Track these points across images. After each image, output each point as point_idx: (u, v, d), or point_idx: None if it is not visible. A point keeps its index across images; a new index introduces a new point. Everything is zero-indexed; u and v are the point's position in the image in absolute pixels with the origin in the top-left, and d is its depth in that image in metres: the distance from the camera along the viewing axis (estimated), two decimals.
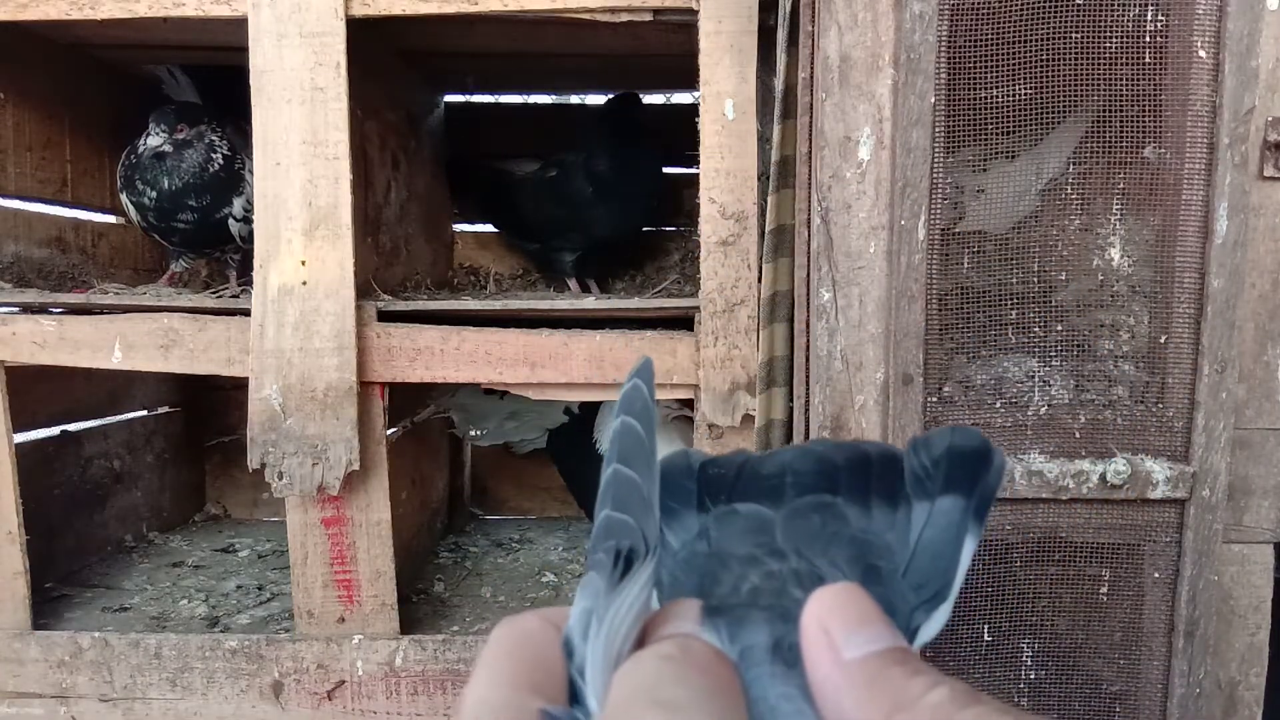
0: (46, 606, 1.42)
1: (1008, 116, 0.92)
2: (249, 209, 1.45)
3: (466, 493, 2.03)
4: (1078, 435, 0.93)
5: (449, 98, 1.96)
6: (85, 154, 1.66)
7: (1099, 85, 0.91)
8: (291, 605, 1.30)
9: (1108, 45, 0.90)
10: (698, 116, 1.20)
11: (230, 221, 1.47)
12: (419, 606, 1.48)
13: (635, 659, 0.29)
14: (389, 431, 1.31)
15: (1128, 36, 0.90)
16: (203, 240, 1.51)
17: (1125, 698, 0.97)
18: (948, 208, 0.95)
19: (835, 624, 0.31)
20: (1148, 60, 0.90)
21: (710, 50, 1.18)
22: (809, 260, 1.00)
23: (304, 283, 1.23)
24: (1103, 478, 0.91)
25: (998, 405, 0.95)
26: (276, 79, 1.21)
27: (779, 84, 1.06)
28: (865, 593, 0.32)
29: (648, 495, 0.36)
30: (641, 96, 1.77)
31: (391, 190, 1.57)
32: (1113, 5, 0.89)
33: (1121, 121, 0.93)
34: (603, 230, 1.72)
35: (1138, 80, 0.91)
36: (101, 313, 1.29)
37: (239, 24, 1.21)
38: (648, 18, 1.22)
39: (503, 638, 0.32)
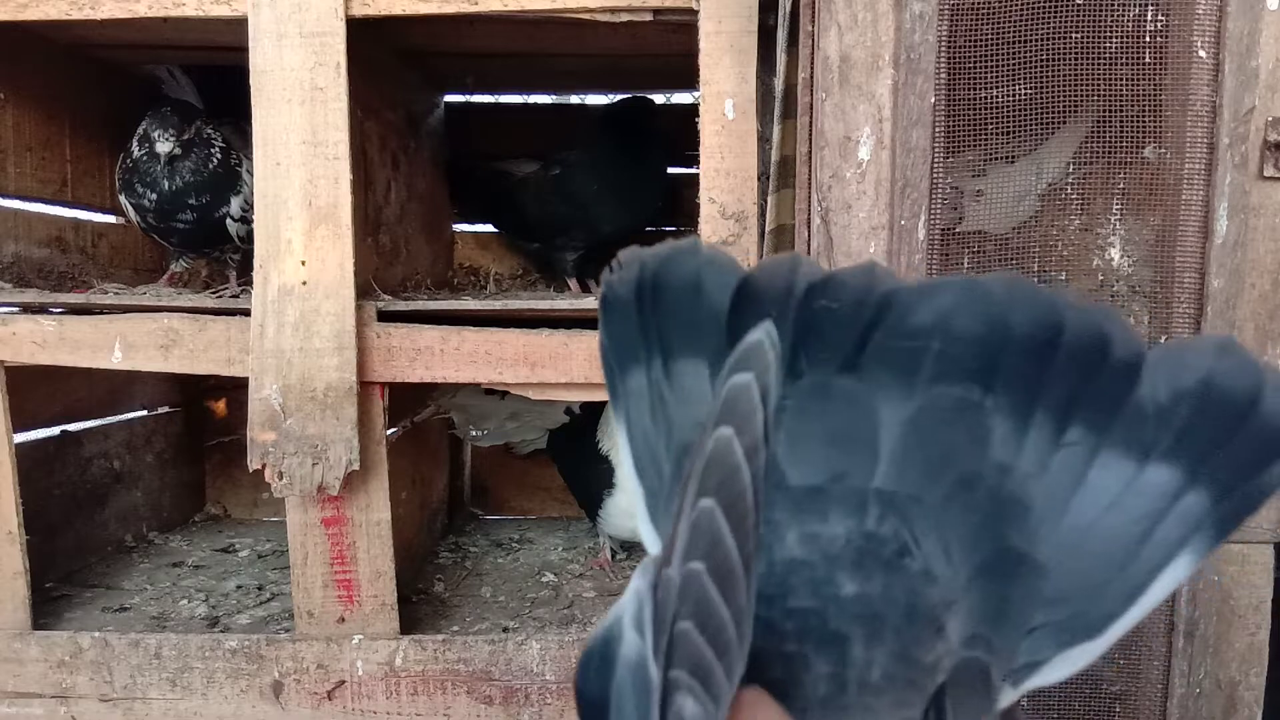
0: (46, 606, 1.42)
1: (1008, 117, 0.92)
2: (246, 209, 1.45)
3: (466, 493, 2.03)
4: None
5: (449, 98, 1.95)
6: (85, 154, 1.66)
7: (1099, 85, 0.91)
8: (291, 605, 1.30)
9: (1108, 45, 0.90)
10: (698, 116, 1.20)
11: (228, 221, 1.47)
12: (419, 606, 1.48)
13: None
14: (389, 431, 1.31)
15: (1128, 36, 0.90)
16: (202, 240, 1.51)
17: (1125, 698, 0.97)
18: (947, 210, 0.95)
19: None
20: (1148, 60, 0.90)
21: (710, 50, 1.18)
22: None
23: (304, 283, 1.23)
24: None
25: None
26: (276, 79, 1.21)
27: (779, 84, 1.06)
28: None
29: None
30: (650, 99, 1.77)
31: (391, 190, 1.57)
32: (1113, 5, 0.89)
33: (1121, 122, 0.93)
34: (607, 228, 1.72)
35: (1138, 80, 0.91)
36: (101, 313, 1.29)
37: (239, 24, 1.21)
38: (648, 18, 1.22)
39: None
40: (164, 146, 1.39)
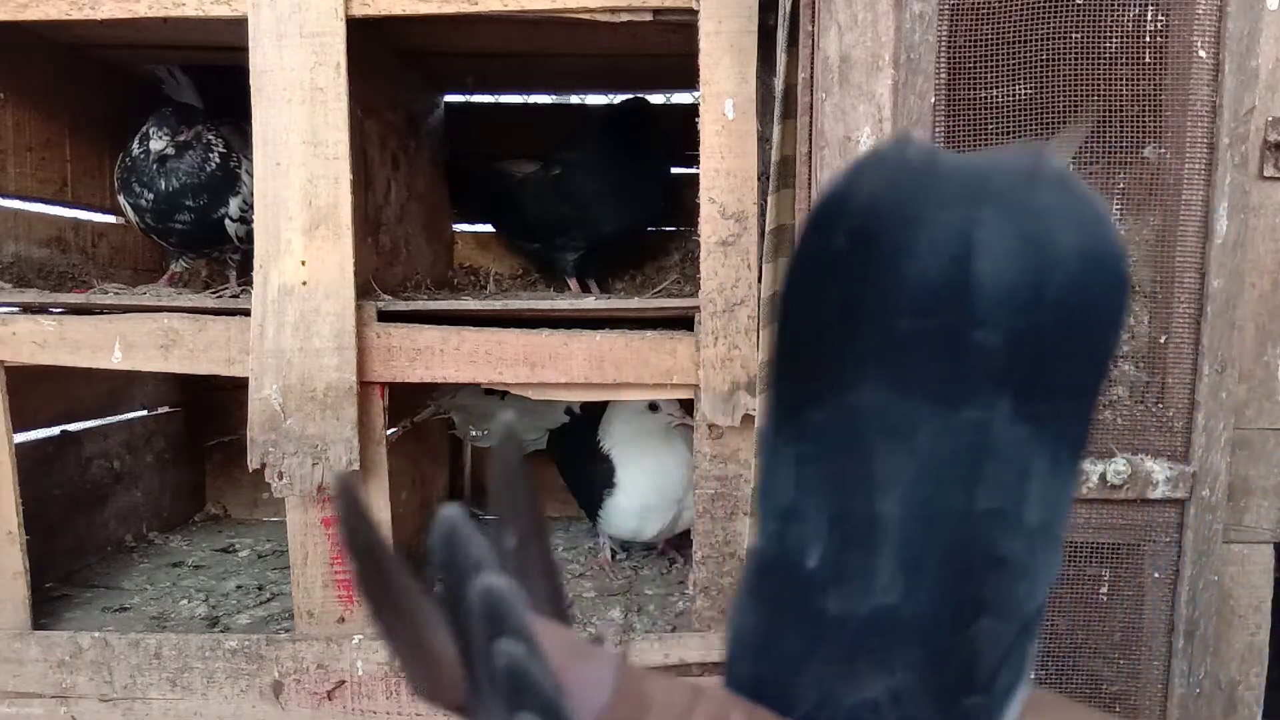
0: (46, 606, 1.42)
1: (1008, 117, 0.92)
2: (245, 209, 1.45)
3: (466, 493, 2.03)
4: None
5: (449, 98, 1.95)
6: (85, 154, 1.66)
7: (1099, 85, 0.91)
8: (291, 605, 1.30)
9: (1108, 45, 0.90)
10: (698, 116, 1.20)
11: (227, 221, 1.47)
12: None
13: None
14: (389, 431, 1.31)
15: (1128, 36, 0.90)
16: (200, 240, 1.51)
17: (1125, 698, 0.97)
18: None
19: None
20: (1148, 60, 0.90)
21: (710, 50, 1.18)
22: None
23: (304, 283, 1.23)
24: (1103, 478, 0.91)
25: None
26: (276, 79, 1.21)
27: (779, 84, 1.06)
28: None
29: None
30: (650, 100, 1.78)
31: (391, 190, 1.57)
32: (1113, 5, 0.89)
33: (1122, 121, 0.93)
34: (607, 228, 1.72)
35: (1138, 80, 0.91)
36: (101, 313, 1.29)
37: (239, 24, 1.21)
38: (648, 18, 1.22)
39: None
40: (157, 145, 1.39)
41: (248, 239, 1.32)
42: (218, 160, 1.44)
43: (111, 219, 1.74)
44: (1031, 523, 0.26)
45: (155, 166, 1.41)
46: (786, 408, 0.27)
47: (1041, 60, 0.90)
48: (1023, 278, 0.25)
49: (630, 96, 1.80)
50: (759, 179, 1.20)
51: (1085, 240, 0.25)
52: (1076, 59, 0.89)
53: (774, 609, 0.27)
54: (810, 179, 0.99)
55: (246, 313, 1.24)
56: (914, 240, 0.25)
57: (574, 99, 2.06)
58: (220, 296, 1.41)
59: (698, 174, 1.21)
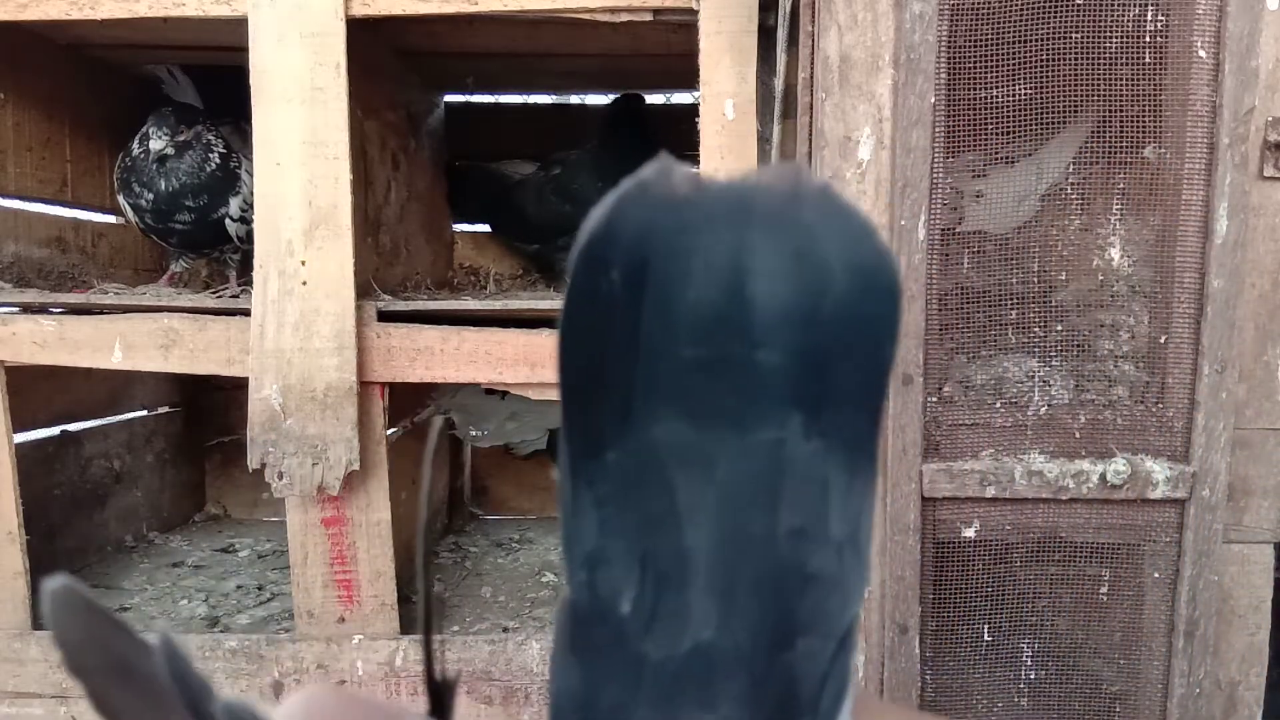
0: None
1: (1008, 116, 0.92)
2: (245, 209, 1.45)
3: (466, 493, 2.03)
4: (1078, 435, 0.94)
5: (449, 98, 1.96)
6: (85, 154, 1.66)
7: (1099, 85, 0.91)
8: (291, 605, 1.30)
9: (1108, 45, 0.90)
10: (698, 116, 1.20)
11: (227, 221, 1.47)
12: (419, 606, 1.47)
13: None
14: (389, 431, 1.31)
15: (1128, 37, 0.90)
16: (201, 240, 1.51)
17: (1125, 698, 0.97)
18: (947, 210, 0.95)
19: None
20: (1148, 60, 0.90)
21: (710, 50, 1.18)
22: None
23: (304, 283, 1.23)
24: (1103, 478, 0.91)
25: (998, 405, 0.95)
26: (276, 79, 1.21)
27: (779, 84, 1.06)
28: None
29: None
30: (642, 95, 1.77)
31: (391, 190, 1.57)
32: (1113, 5, 0.89)
33: (1122, 122, 0.93)
34: None
35: (1138, 80, 0.91)
36: (101, 313, 1.29)
37: (239, 24, 1.21)
38: (648, 18, 1.22)
39: None
40: (156, 145, 1.39)
41: (248, 239, 1.32)
42: (218, 160, 1.44)
43: (111, 219, 1.74)
44: (837, 535, 0.26)
45: (155, 166, 1.41)
46: (581, 451, 0.26)
47: (1041, 60, 0.90)
48: (796, 296, 0.24)
49: (621, 94, 1.79)
50: None
51: (854, 253, 0.25)
52: (1076, 59, 0.90)
53: (592, 661, 0.26)
54: None
55: (246, 313, 1.24)
56: (687, 269, 0.24)
57: (574, 99, 2.06)
58: (220, 296, 1.41)
59: None
